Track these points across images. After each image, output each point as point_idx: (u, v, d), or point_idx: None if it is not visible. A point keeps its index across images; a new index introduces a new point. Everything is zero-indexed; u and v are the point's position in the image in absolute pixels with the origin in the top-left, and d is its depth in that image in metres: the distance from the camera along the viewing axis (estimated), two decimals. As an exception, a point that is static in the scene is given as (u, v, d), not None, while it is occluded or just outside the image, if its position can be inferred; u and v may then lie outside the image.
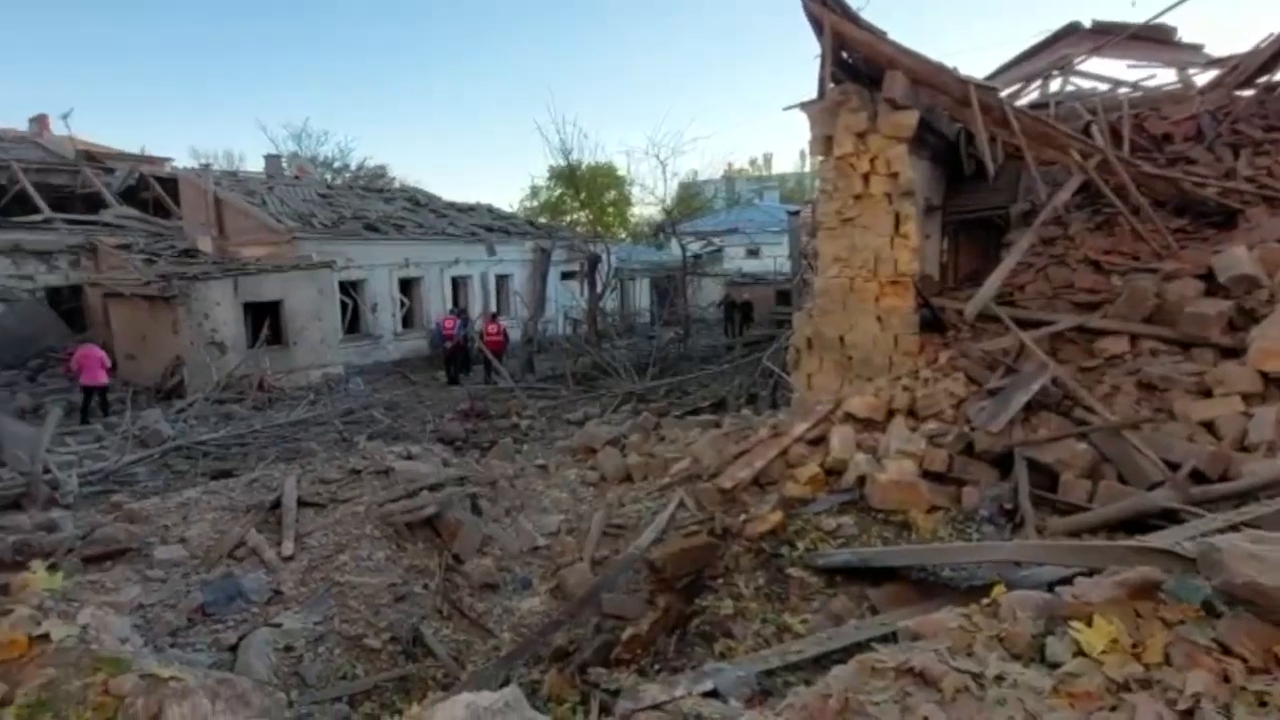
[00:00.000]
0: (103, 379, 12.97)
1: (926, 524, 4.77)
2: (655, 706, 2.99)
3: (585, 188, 27.64)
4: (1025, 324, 6.26)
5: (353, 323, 19.38)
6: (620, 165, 32.86)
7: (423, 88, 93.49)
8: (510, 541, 6.49)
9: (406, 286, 20.86)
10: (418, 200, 25.30)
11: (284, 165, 28.11)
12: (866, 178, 6.74)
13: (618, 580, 5.24)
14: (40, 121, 27.04)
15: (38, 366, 16.50)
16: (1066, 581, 2.86)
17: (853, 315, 6.94)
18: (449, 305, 20.51)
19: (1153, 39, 9.63)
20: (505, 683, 3.95)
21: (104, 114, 78.13)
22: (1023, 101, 9.39)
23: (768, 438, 6.23)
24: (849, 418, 6.00)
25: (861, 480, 5.18)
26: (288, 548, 5.44)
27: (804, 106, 7.03)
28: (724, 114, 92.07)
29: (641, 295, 28.69)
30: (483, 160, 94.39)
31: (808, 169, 63.68)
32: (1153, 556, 2.78)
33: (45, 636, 2.10)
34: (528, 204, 37.87)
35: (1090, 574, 2.87)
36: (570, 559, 6.13)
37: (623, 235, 35.06)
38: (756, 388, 12.34)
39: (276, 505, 6.08)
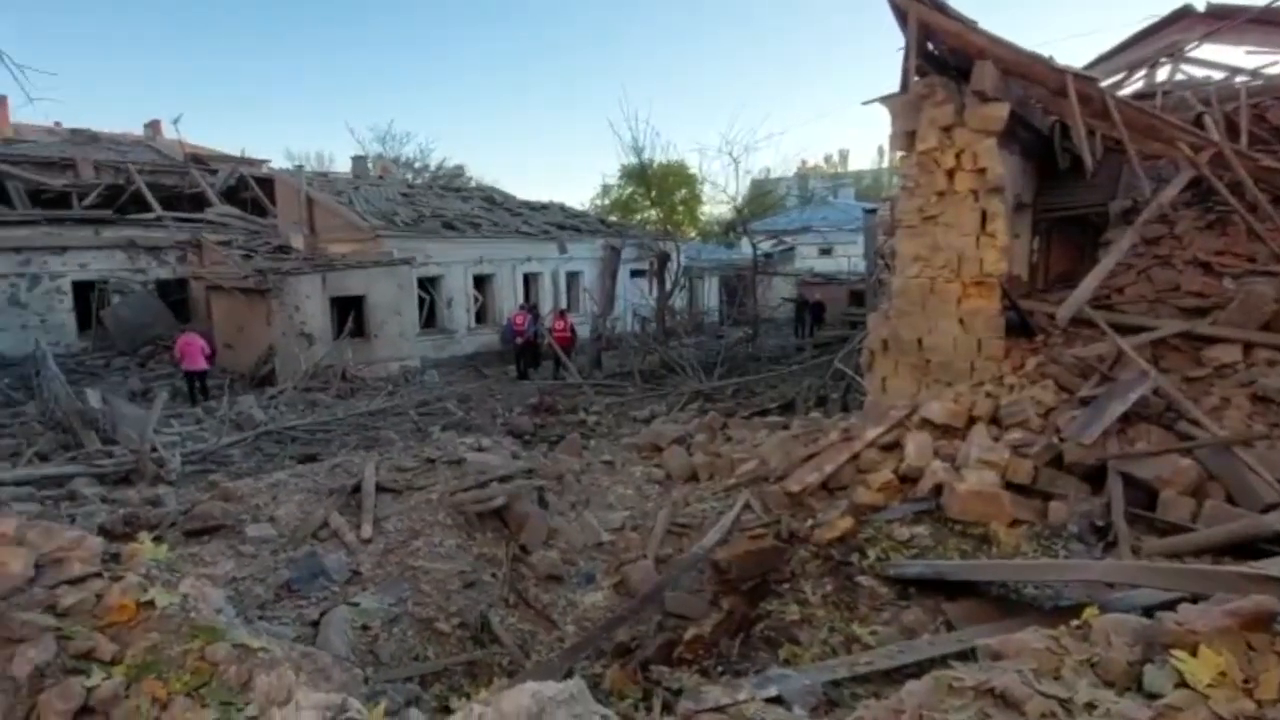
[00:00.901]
0: (203, 365, 13.95)
1: (1008, 538, 4.53)
2: (718, 709, 2.96)
3: (656, 186, 27.66)
4: (1124, 329, 5.86)
5: (429, 317, 20.07)
6: (692, 163, 32.80)
7: (502, 88, 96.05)
8: (575, 535, 6.57)
9: (481, 283, 21.45)
10: (493, 199, 25.96)
11: (369, 166, 29.39)
12: (951, 173, 6.46)
13: (681, 579, 5.21)
14: (153, 126, 29.30)
15: (148, 353, 17.87)
16: (1167, 607, 2.66)
17: (933, 317, 6.66)
18: (520, 302, 20.97)
19: (1274, 22, 8.83)
20: (568, 675, 4.00)
21: (210, 117, 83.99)
22: (1126, 91, 8.79)
23: (838, 441, 6.06)
24: (926, 423, 5.77)
25: (938, 489, 4.97)
26: (366, 531, 5.68)
27: (885, 100, 6.81)
28: (799, 110, 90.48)
29: (710, 294, 28.52)
30: (557, 159, 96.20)
31: (886, 165, 61.77)
32: (1269, 585, 2.55)
33: (151, 603, 2.26)
34: (599, 202, 38.27)
35: (1194, 600, 2.66)
36: (634, 556, 6.15)
37: (692, 234, 34.94)
38: (827, 390, 12.06)
39: (356, 490, 6.36)
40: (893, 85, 6.85)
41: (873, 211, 21.29)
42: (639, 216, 32.19)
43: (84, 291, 18.81)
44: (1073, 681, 2.14)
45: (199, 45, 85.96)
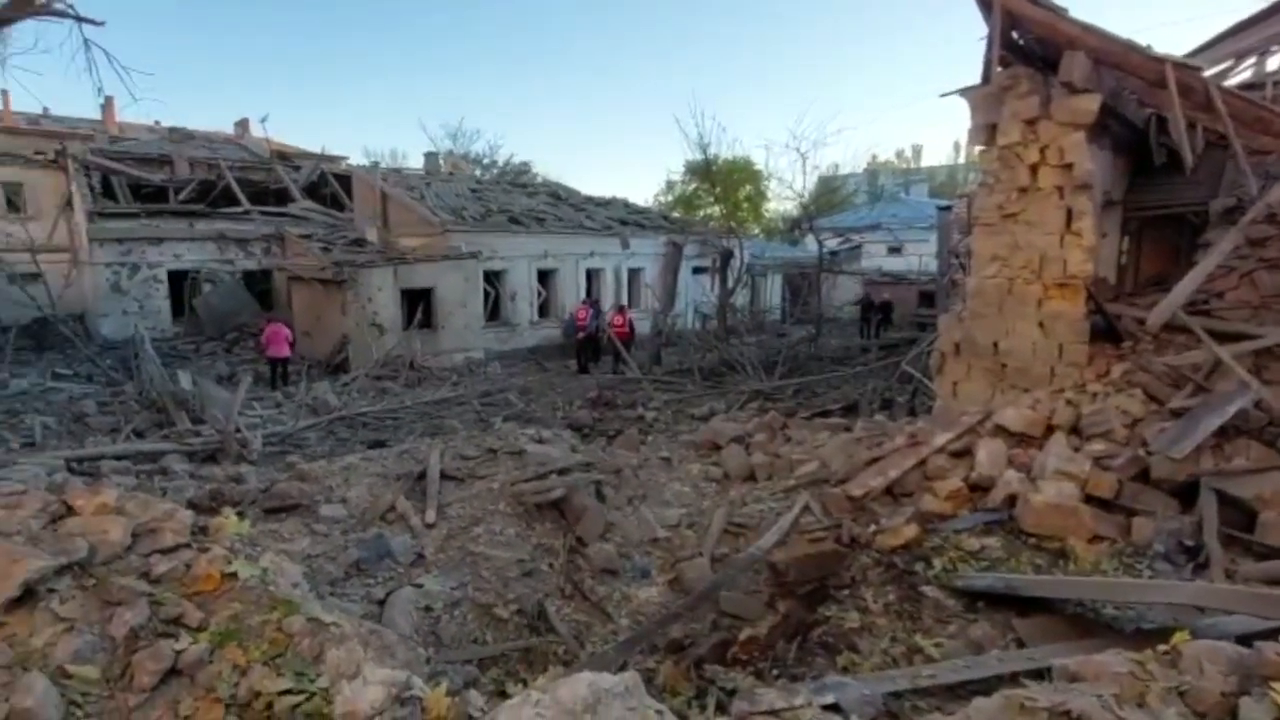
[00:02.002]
0: (286, 353, 14.71)
1: (1087, 554, 4.30)
2: (773, 713, 2.91)
3: (720, 182, 27.42)
4: (1223, 337, 5.46)
5: (494, 310, 20.53)
6: (758, 159, 32.34)
7: (569, 84, 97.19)
8: (632, 530, 6.59)
9: (544, 277, 21.78)
10: (558, 194, 26.31)
11: (440, 162, 30.27)
12: (1034, 169, 6.15)
13: (737, 579, 5.16)
14: (242, 125, 31.00)
15: (234, 339, 18.94)
16: (1265, 636, 2.46)
17: (1010, 319, 6.37)
18: (583, 296, 21.19)
19: None
20: (623, 668, 4.02)
21: (294, 115, 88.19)
22: (1232, 82, 8.16)
23: (904, 446, 5.87)
24: (1000, 431, 5.52)
25: (1012, 500, 4.76)
26: (430, 516, 5.85)
27: (965, 92, 6.53)
28: (871, 104, 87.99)
29: (773, 292, 28.11)
30: (622, 155, 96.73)
31: (962, 160, 59.46)
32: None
33: (234, 575, 2.39)
34: (662, 198, 38.25)
35: (1300, 632, 2.45)
36: (690, 553, 6.13)
37: (756, 231, 34.50)
38: (893, 393, 11.70)
39: (422, 476, 6.55)
40: (973, 77, 6.57)
41: (947, 209, 20.48)
42: (702, 213, 32.00)
43: (178, 280, 20.10)
44: (1159, 710, 2.01)
45: (285, 45, 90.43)
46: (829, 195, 27.04)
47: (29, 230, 19.39)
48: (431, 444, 7.95)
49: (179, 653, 2.11)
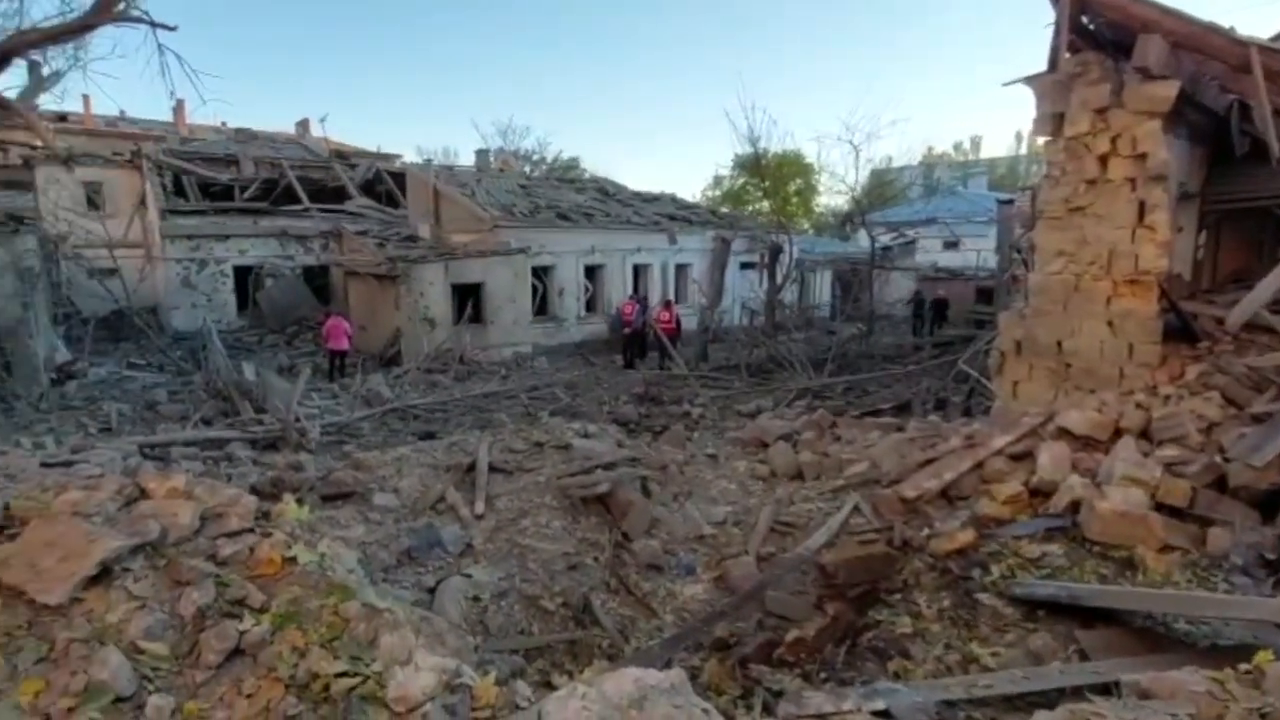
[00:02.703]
0: (345, 345, 15.20)
1: (1157, 565, 4.08)
2: (820, 716, 2.86)
3: (770, 176, 27.06)
4: (1313, 338, 5.11)
5: (541, 305, 20.75)
6: (809, 152, 31.79)
7: (619, 79, 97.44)
8: (677, 526, 6.57)
9: (591, 272, 21.90)
10: (606, 190, 26.41)
11: (491, 159, 30.74)
12: (1104, 160, 5.86)
13: (784, 579, 5.09)
14: (303, 125, 32.10)
15: (294, 332, 19.66)
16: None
17: (1076, 318, 6.10)
18: (629, 292, 21.22)
19: None
20: (667, 664, 4.01)
21: (352, 114, 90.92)
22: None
23: (960, 448, 5.69)
24: (1063, 433, 5.29)
25: (1075, 506, 4.55)
26: (479, 507, 5.95)
27: (1030, 80, 6.27)
28: (928, 94, 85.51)
29: (823, 288, 27.63)
30: (671, 151, 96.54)
31: (1024, 152, 57.30)
32: None
33: (294, 559, 2.47)
34: (710, 193, 38.00)
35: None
36: (735, 551, 6.07)
37: (805, 225, 33.97)
38: (948, 392, 11.36)
39: (471, 468, 6.67)
40: (1038, 64, 6.30)
41: (1008, 202, 19.74)
42: (751, 208, 31.66)
43: (242, 275, 20.97)
44: (1241, 734, 1.89)
45: (343, 45, 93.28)
46: (882, 189, 26.35)
47: (107, 227, 20.48)
48: (480, 437, 8.08)
49: (242, 633, 2.19)
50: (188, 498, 2.61)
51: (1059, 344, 6.25)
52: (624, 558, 6.02)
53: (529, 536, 5.71)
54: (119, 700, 1.97)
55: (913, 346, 18.52)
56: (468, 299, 17.79)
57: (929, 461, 5.73)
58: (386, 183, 26.41)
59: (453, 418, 11.74)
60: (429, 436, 9.63)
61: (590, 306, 21.98)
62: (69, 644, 2.08)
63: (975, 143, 68.32)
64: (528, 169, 36.58)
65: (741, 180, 33.36)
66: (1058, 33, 5.92)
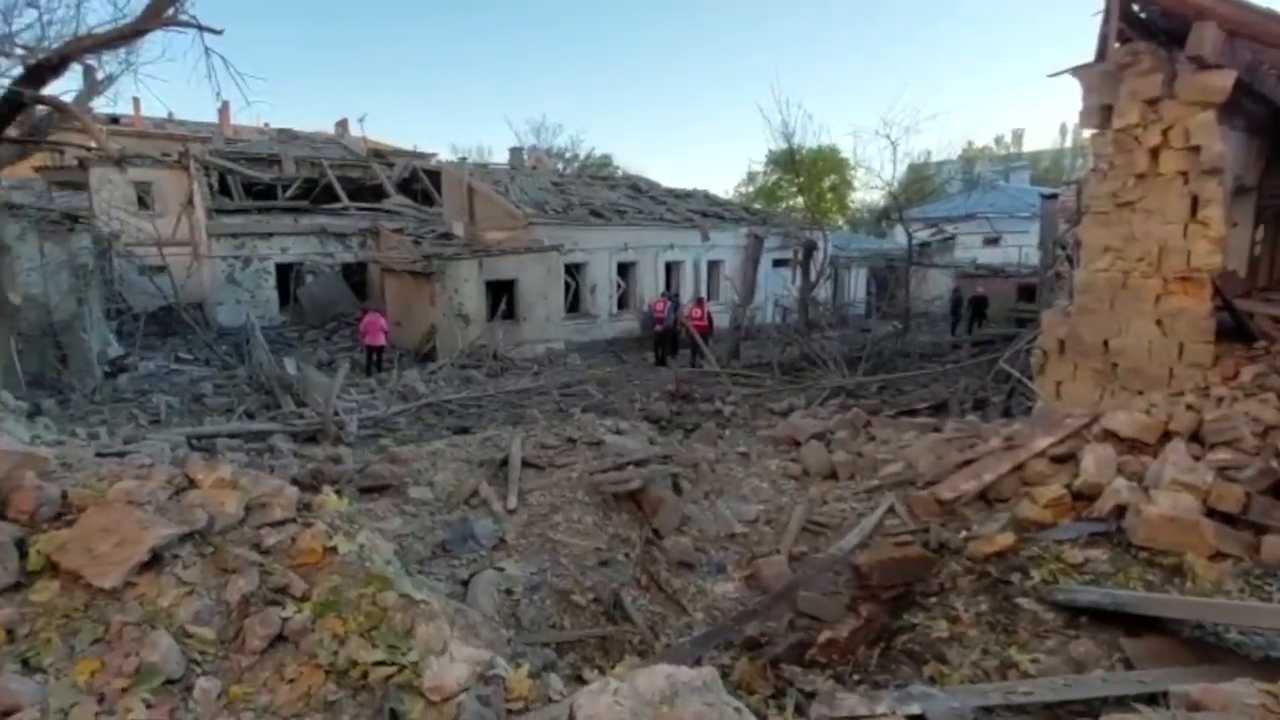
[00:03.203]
0: (382, 341, 15.50)
1: (1208, 573, 3.94)
2: (853, 719, 2.83)
3: (804, 172, 26.75)
4: (1380, 338, 4.86)
5: (574, 302, 20.87)
6: (845, 148, 31.32)
7: (650, 75, 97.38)
8: (708, 524, 6.55)
9: (623, 269, 21.94)
10: (638, 187, 26.42)
11: (524, 157, 30.99)
12: (1155, 153, 5.66)
13: (817, 579, 5.04)
14: (342, 125, 32.77)
15: (333, 328, 20.11)
16: None
17: (1123, 316, 5.91)
18: (661, 289, 21.20)
19: None
20: (697, 662, 4.01)
21: (389, 113, 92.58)
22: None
23: (1000, 449, 5.56)
24: (1109, 436, 5.13)
25: (1121, 510, 4.41)
26: (512, 501, 6.01)
27: (1077, 71, 6.08)
28: (969, 87, 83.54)
29: (857, 285, 27.24)
30: (703, 147, 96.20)
31: (1069, 145, 55.66)
32: None
33: (334, 549, 2.53)
34: (743, 190, 37.76)
35: None
36: (767, 550, 6.03)
37: (840, 222, 33.53)
38: (987, 392, 11.11)
39: (504, 463, 6.74)
40: (1086, 54, 6.11)
41: (1052, 197, 19.18)
42: (784, 204, 31.36)
43: (284, 272, 21.52)
44: (1299, 750, 1.81)
45: (381, 46, 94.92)
46: (920, 184, 25.86)
47: (156, 226, 21.20)
48: (513, 432, 8.17)
49: (285, 620, 2.25)
50: (234, 488, 2.69)
51: (1105, 343, 6.05)
52: (655, 554, 6.03)
53: (561, 531, 5.75)
54: (169, 682, 2.04)
55: (950, 345, 18.15)
56: (501, 295, 17.97)
57: (967, 463, 5.61)
58: (422, 181, 26.82)
59: (486, 413, 11.88)
60: (463, 431, 9.77)
61: (622, 303, 22.03)
62: (123, 627, 2.16)
63: (1017, 136, 66.56)
64: (561, 166, 36.80)
65: (775, 176, 33.09)
66: (1106, 21, 5.73)
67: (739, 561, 6.11)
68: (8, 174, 11.41)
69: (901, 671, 3.71)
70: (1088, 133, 6.44)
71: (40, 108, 8.54)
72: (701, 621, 5.29)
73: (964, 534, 4.69)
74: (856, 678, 3.82)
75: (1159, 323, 5.74)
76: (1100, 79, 5.96)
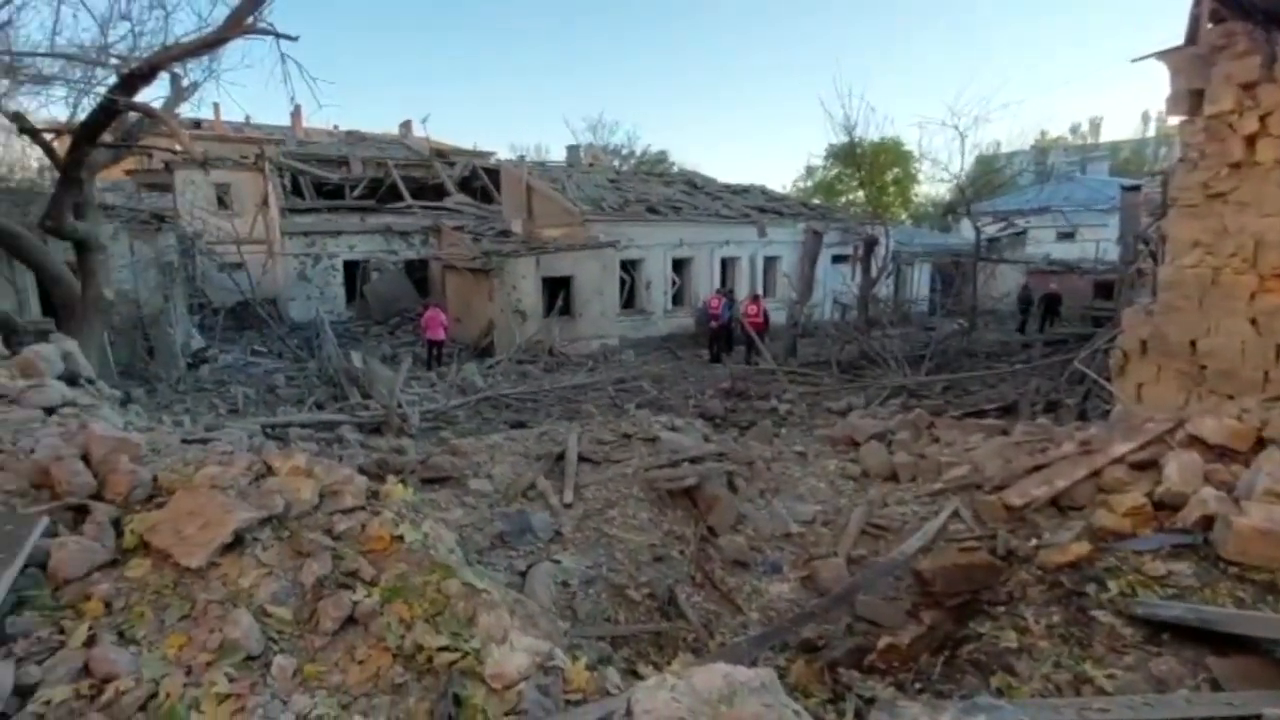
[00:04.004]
0: (441, 336, 15.94)
1: (1307, 591, 3.66)
2: (916, 727, 2.75)
3: (866, 165, 26.06)
4: None
5: (629, 298, 20.95)
6: (910, 139, 30.36)
7: (708, 71, 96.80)
8: (764, 523, 6.48)
9: (679, 266, 21.89)
10: (694, 183, 26.30)
11: (581, 154, 31.26)
12: (1251, 141, 5.29)
13: (876, 584, 4.93)
14: (406, 126, 33.75)
15: (396, 323, 20.77)
16: None
17: (1214, 315, 5.54)
18: (717, 285, 21.06)
19: None
20: (753, 663, 3.97)
21: (451, 113, 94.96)
22: None
23: (1075, 454, 5.30)
24: (1195, 442, 4.83)
25: (1208, 522, 4.14)
26: (568, 496, 6.09)
27: (1164, 55, 5.74)
28: (1044, 74, 79.77)
29: (920, 282, 26.43)
30: (761, 142, 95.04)
31: (1152, 134, 52.61)
32: None
33: (401, 537, 2.62)
34: (801, 184, 37.14)
35: None
36: (824, 552, 5.93)
37: (903, 216, 32.58)
38: (1060, 394, 10.61)
39: (560, 457, 6.83)
40: (1173, 37, 5.75)
41: (1134, 189, 18.15)
42: (844, 198, 30.68)
43: (351, 269, 22.35)
44: None
45: (443, 47, 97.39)
46: (989, 176, 24.82)
47: (234, 225, 22.32)
48: (569, 427, 8.26)
49: (355, 603, 2.34)
50: (308, 475, 2.81)
51: (1192, 344, 5.69)
52: (709, 552, 6.01)
53: (616, 526, 5.79)
54: (249, 658, 2.15)
55: (1021, 344, 17.41)
56: (558, 292, 18.20)
57: (1038, 467, 5.38)
58: (482, 179, 27.39)
59: (542, 408, 12.06)
60: (520, 425, 9.94)
61: (677, 300, 21.99)
62: (207, 604, 2.29)
63: (1095, 125, 63.19)
64: (617, 163, 36.98)
65: (835, 170, 32.37)
66: (1198, 1, 5.37)
67: (795, 562, 6.03)
68: (101, 176, 12.22)
69: (966, 682, 3.58)
70: (1175, 120, 6.05)
71: (132, 114, 9.10)
72: (757, 621, 5.24)
73: (1034, 542, 4.50)
74: (918, 686, 3.72)
75: (1253, 322, 5.36)
76: (1190, 63, 5.60)
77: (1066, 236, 29.33)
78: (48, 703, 1.95)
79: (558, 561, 5.15)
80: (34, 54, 7.22)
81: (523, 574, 5.02)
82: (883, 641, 4.23)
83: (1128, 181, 23.54)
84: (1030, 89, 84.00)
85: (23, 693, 1.99)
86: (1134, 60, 6.13)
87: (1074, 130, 61.81)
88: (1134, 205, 16.34)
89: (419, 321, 17.25)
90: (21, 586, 2.27)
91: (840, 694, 3.69)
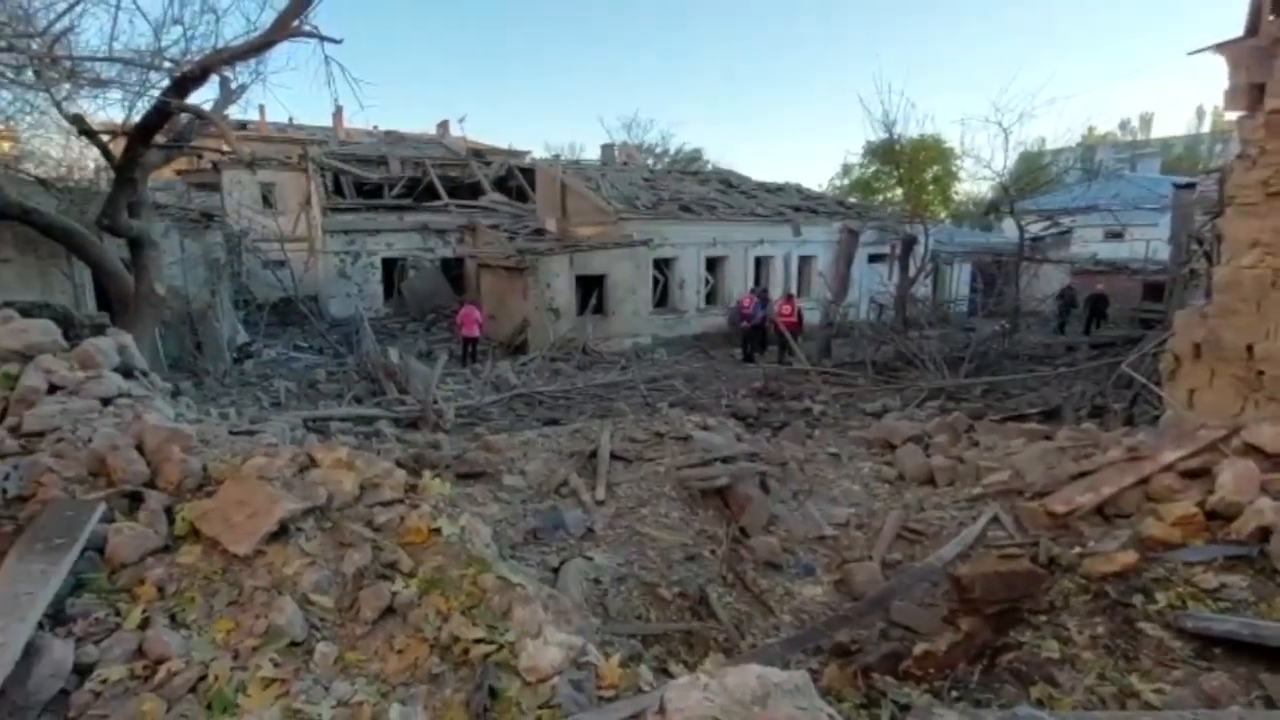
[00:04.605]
0: (476, 333, 16.14)
1: (1372, 608, 3.49)
2: (953, 736, 2.70)
3: (905, 163, 25.56)
4: None
5: (662, 297, 20.93)
6: (951, 136, 29.71)
7: (744, 67, 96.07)
8: (796, 525, 6.43)
9: (712, 265, 21.79)
10: (729, 181, 26.16)
11: (615, 153, 31.32)
12: (1316, 136, 5.05)
13: (912, 589, 4.85)
14: (443, 126, 34.23)
15: (431, 320, 21.09)
16: None
17: (1273, 318, 5.32)
18: (750, 284, 20.91)
19: None
20: (785, 665, 3.94)
21: (487, 113, 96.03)
22: None
23: (1122, 460, 5.14)
24: (1251, 450, 4.64)
25: (1264, 533, 3.98)
26: (600, 493, 6.12)
27: (1222, 48, 5.52)
28: (1093, 68, 77.24)
29: (960, 282, 25.86)
30: (797, 140, 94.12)
31: (1206, 129, 50.64)
32: None
33: (438, 530, 2.66)
34: (837, 183, 36.66)
35: None
36: (858, 555, 5.86)
37: (942, 215, 31.92)
38: (1106, 399, 10.29)
39: (593, 455, 6.86)
40: (1232, 29, 5.52)
41: (1188, 186, 17.49)
42: (882, 197, 30.18)
43: (389, 266, 22.77)
44: None
45: (479, 48, 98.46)
46: (1034, 174, 24.13)
47: (278, 223, 22.92)
48: (602, 425, 8.29)
49: (394, 594, 2.39)
50: (349, 468, 2.87)
51: (1249, 348, 5.46)
52: (741, 553, 5.98)
53: (648, 525, 5.80)
54: (293, 644, 2.21)
55: (1065, 347, 16.92)
56: (591, 290, 18.27)
57: (1083, 473, 5.23)
58: (517, 178, 27.64)
59: (574, 405, 12.13)
60: (552, 422, 10.01)
61: (710, 299, 21.90)
62: (254, 591, 2.36)
63: (1146, 121, 61.07)
64: (651, 162, 36.96)
65: (873, 168, 31.86)
66: (1261, -10, 5.15)
67: (828, 565, 5.97)
68: (153, 176, 12.67)
69: (1005, 691, 3.50)
70: (1233, 115, 5.81)
71: (183, 115, 9.41)
72: (789, 624, 5.20)
73: (1078, 550, 4.37)
74: (955, 694, 3.65)
75: (1317, 326, 5.14)
76: (1251, 55, 5.36)
77: (1114, 236, 28.36)
78: (104, 681, 2.03)
79: (590, 558, 5.17)
80: (93, 58, 7.49)
81: (555, 570, 5.06)
82: (919, 648, 4.17)
83: (1180, 179, 22.67)
84: (1078, 84, 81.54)
85: (81, 671, 2.08)
86: (1190, 53, 5.90)
87: (1123, 126, 59.89)
88: (1187, 204, 15.72)
89: (454, 318, 17.49)
90: (80, 569, 2.38)
91: (874, 700, 3.64)
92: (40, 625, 2.12)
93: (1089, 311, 20.07)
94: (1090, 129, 43.68)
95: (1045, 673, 3.49)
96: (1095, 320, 19.92)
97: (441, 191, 25.32)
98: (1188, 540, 4.23)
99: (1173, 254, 16.87)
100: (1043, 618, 3.88)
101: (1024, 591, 4.12)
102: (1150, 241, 24.79)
